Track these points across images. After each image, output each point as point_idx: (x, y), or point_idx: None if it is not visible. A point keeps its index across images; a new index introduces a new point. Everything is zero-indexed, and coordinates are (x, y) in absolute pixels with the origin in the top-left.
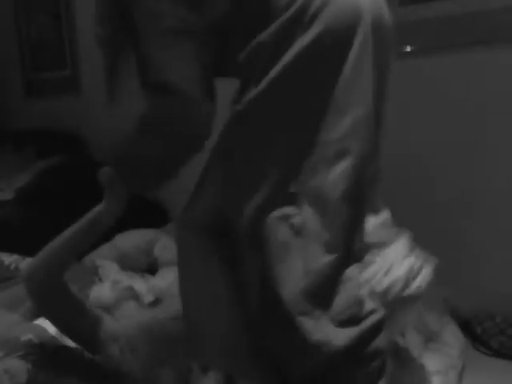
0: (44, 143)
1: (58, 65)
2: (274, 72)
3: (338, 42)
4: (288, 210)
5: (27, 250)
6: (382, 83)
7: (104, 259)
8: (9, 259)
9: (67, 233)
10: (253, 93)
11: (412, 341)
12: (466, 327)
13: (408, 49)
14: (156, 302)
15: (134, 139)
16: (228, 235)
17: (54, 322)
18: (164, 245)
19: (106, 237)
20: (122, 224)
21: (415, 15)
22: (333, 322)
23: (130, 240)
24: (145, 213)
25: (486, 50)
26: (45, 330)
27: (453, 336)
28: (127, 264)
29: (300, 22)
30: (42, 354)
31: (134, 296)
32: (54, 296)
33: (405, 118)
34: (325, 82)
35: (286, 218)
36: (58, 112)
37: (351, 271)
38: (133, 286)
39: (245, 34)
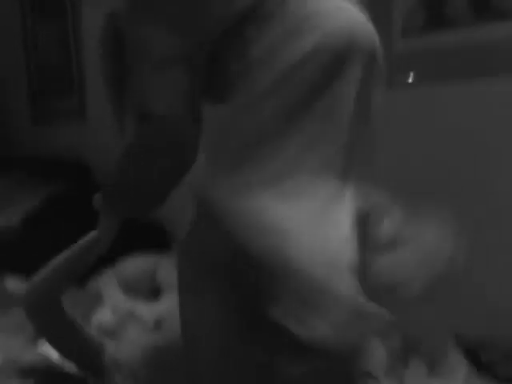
0: (50, 170)
1: (64, 93)
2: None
3: (332, 59)
4: None
5: (32, 276)
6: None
7: (107, 284)
8: (13, 284)
9: (60, 259)
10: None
11: (415, 367)
12: (472, 354)
13: (410, 79)
14: (158, 327)
15: (120, 166)
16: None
17: (53, 346)
18: (167, 269)
19: (110, 261)
20: (126, 248)
21: (418, 46)
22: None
23: (134, 264)
24: (148, 236)
25: (490, 80)
26: (48, 355)
27: (456, 362)
28: (130, 288)
29: (295, 33)
30: (44, 379)
31: (136, 321)
32: (51, 321)
33: (406, 147)
34: (311, 97)
35: None
36: (64, 140)
37: None
38: (134, 311)
39: (235, 58)
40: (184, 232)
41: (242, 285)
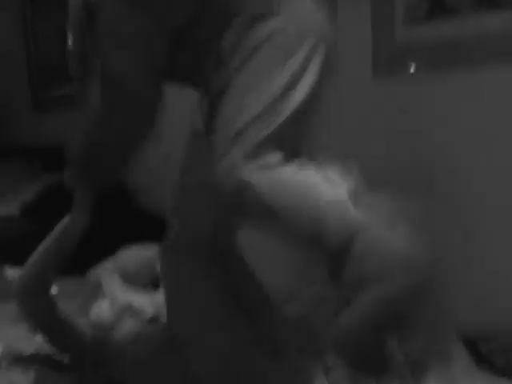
0: (50, 158)
1: (65, 81)
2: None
3: (293, 38)
4: None
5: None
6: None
7: (107, 275)
8: (12, 274)
9: (41, 249)
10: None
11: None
12: (471, 346)
13: (412, 68)
14: (156, 318)
15: (89, 130)
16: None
17: (42, 335)
18: None
19: (110, 252)
20: (127, 239)
21: (420, 35)
22: None
23: (133, 255)
24: (149, 227)
25: (491, 69)
26: (45, 346)
27: (456, 353)
28: (130, 279)
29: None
30: (45, 368)
31: (134, 313)
32: (40, 310)
33: (407, 136)
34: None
35: None
36: (64, 128)
37: None
38: (131, 303)
39: (204, 40)
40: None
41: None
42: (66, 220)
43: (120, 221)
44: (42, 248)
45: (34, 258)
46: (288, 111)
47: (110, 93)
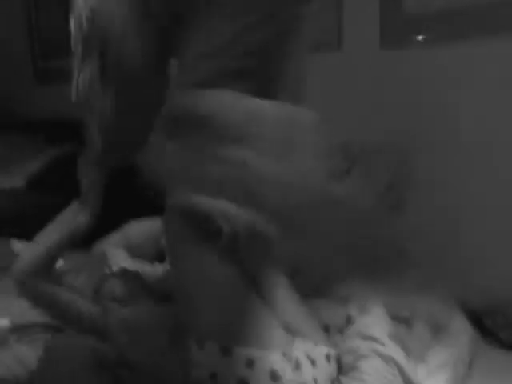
0: (54, 131)
1: (67, 52)
2: None
3: None
4: None
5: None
6: None
7: (113, 247)
8: (18, 247)
9: (47, 237)
10: None
11: (419, 332)
12: (476, 320)
13: (421, 39)
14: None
15: (103, 114)
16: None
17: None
18: None
19: (116, 225)
20: (131, 212)
21: (428, 5)
22: None
23: (139, 228)
24: (153, 201)
25: (501, 38)
26: None
27: (461, 327)
28: (136, 252)
29: None
30: (53, 342)
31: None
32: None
33: (417, 106)
34: None
35: None
36: (68, 100)
37: None
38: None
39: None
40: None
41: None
42: (74, 208)
43: (125, 194)
44: (47, 235)
45: (40, 241)
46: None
47: (121, 75)
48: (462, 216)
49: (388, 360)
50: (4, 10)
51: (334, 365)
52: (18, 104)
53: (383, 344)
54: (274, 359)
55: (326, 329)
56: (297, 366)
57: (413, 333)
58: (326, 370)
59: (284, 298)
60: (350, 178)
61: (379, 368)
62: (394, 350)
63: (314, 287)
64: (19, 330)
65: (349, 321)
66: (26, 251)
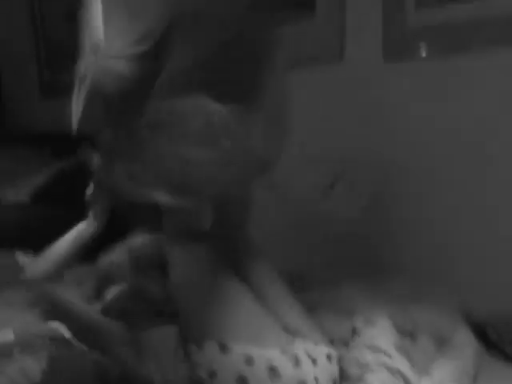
0: (60, 144)
1: (73, 66)
2: None
3: None
4: None
5: (42, 251)
6: None
7: (117, 259)
8: (24, 260)
9: (54, 250)
10: None
11: (423, 344)
12: (480, 333)
13: (423, 52)
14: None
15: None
16: None
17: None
18: None
19: (121, 238)
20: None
21: (431, 18)
22: None
23: (142, 240)
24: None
25: (503, 52)
26: (60, 331)
27: (465, 340)
28: (140, 264)
29: None
30: (56, 354)
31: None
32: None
33: (418, 118)
34: None
35: None
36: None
37: None
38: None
39: None
40: None
41: None
42: (80, 228)
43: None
44: (55, 247)
45: (48, 253)
46: None
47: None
48: (463, 225)
49: (394, 372)
50: (10, 24)
51: (335, 365)
52: (24, 117)
53: (390, 356)
54: (274, 356)
55: (331, 342)
56: (297, 362)
57: (417, 345)
58: (328, 369)
59: (277, 296)
60: (333, 193)
61: (386, 381)
62: (401, 362)
63: (318, 299)
64: (23, 342)
65: (354, 332)
66: (34, 263)
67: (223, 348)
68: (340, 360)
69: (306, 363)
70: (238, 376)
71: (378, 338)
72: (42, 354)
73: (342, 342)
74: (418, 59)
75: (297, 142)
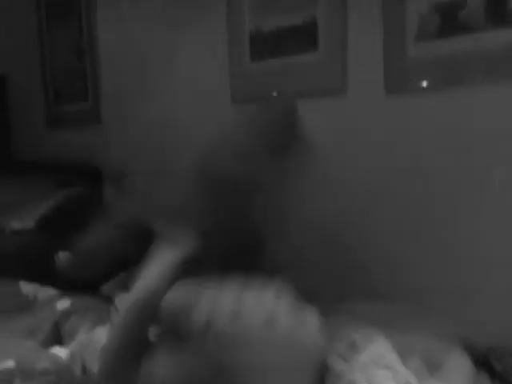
0: (65, 174)
1: (79, 97)
2: None
3: None
4: None
5: (46, 279)
6: None
7: (120, 290)
8: (27, 288)
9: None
10: None
11: (415, 366)
12: (484, 363)
13: (424, 85)
14: None
15: None
16: None
17: None
18: None
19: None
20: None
21: (432, 51)
22: None
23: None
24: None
25: (505, 85)
26: (60, 359)
27: (458, 364)
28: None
29: None
30: (57, 382)
31: None
32: None
33: (421, 153)
34: None
35: None
36: (78, 143)
37: None
38: None
39: None
40: None
41: None
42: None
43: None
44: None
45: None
46: None
47: None
48: (463, 251)
49: None
50: (19, 54)
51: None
52: (31, 146)
53: (397, 371)
54: None
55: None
56: None
57: (409, 368)
58: None
59: None
60: None
61: None
62: (409, 375)
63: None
64: (23, 369)
65: (353, 346)
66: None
67: None
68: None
69: None
70: None
71: (383, 354)
72: (42, 381)
73: (336, 353)
74: (419, 92)
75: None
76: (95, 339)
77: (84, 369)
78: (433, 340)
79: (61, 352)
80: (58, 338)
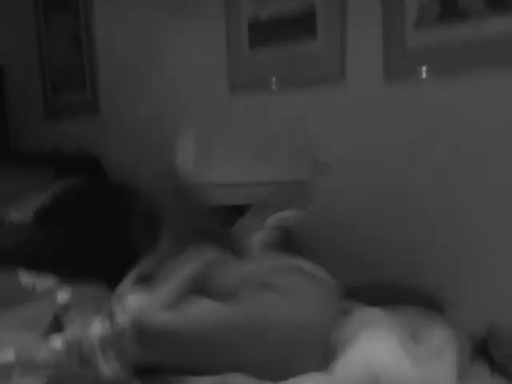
0: (63, 164)
1: (77, 87)
2: None
3: None
4: None
5: (45, 271)
6: None
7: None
8: (26, 278)
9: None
10: None
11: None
12: (482, 351)
13: (424, 73)
14: None
15: None
16: None
17: None
18: None
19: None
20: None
21: (431, 39)
22: None
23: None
24: None
25: (504, 73)
26: (59, 350)
27: (444, 338)
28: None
29: None
30: (56, 374)
31: None
32: None
33: (420, 140)
34: None
35: None
36: (77, 134)
37: None
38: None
39: None
40: None
41: None
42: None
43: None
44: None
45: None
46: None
47: None
48: (464, 251)
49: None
50: (16, 45)
51: None
52: (29, 138)
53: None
54: None
55: None
56: None
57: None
58: None
59: None
60: None
61: None
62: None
63: None
64: (23, 362)
65: (346, 313)
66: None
67: None
68: None
69: None
70: None
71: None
72: (41, 374)
73: None
74: (418, 80)
75: None
76: (92, 330)
77: (82, 361)
78: (418, 316)
79: (57, 341)
80: (58, 330)
